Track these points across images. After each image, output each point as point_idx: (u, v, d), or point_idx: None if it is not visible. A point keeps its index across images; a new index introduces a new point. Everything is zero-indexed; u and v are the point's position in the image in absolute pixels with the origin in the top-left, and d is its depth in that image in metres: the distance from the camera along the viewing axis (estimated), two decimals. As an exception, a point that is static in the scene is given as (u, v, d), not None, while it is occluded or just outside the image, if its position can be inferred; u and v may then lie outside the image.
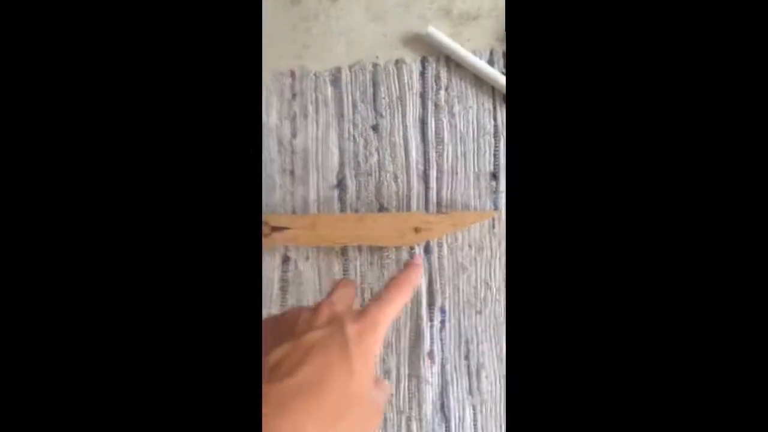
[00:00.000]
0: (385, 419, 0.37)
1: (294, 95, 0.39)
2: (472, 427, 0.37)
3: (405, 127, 0.38)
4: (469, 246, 0.38)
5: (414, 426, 0.37)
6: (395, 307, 0.24)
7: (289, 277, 0.38)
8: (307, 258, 0.38)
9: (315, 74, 0.39)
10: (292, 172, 0.39)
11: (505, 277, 0.37)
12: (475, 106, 0.38)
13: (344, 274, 0.38)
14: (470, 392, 0.37)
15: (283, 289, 0.38)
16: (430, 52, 0.39)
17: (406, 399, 0.37)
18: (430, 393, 0.37)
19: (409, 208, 0.38)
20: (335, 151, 0.39)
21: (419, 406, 0.37)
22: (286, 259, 0.38)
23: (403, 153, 0.38)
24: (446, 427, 0.37)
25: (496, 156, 0.38)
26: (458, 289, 0.38)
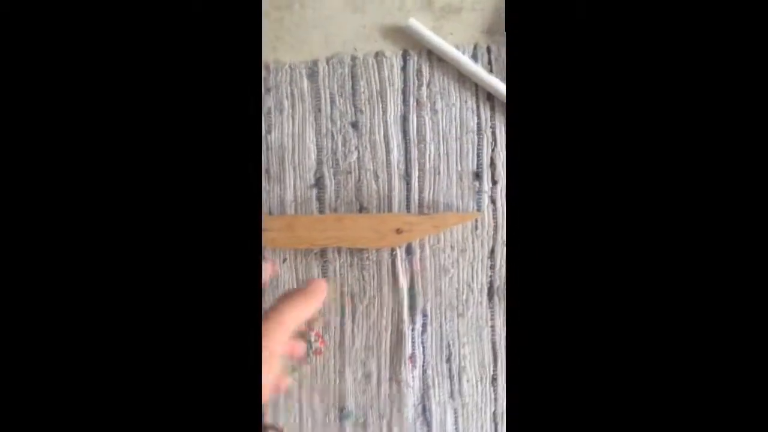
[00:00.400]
0: (366, 423, 0.36)
1: (268, 89, 0.37)
2: (454, 430, 0.36)
3: (386, 124, 0.37)
4: (452, 248, 0.37)
5: (395, 430, 0.36)
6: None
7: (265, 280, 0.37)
8: (285, 260, 0.37)
9: (290, 67, 0.37)
10: (267, 171, 0.37)
11: (488, 279, 0.37)
12: (457, 104, 0.37)
13: (323, 277, 0.37)
14: (452, 396, 0.37)
15: (259, 294, 0.37)
16: (412, 45, 0.37)
17: (387, 403, 0.36)
18: (411, 397, 0.36)
19: (390, 209, 0.37)
20: (313, 148, 0.37)
21: (400, 410, 0.36)
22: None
23: (383, 151, 0.37)
24: (428, 430, 0.36)
25: (479, 155, 0.37)
26: (440, 292, 0.37)
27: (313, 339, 0.36)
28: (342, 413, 0.36)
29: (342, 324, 0.37)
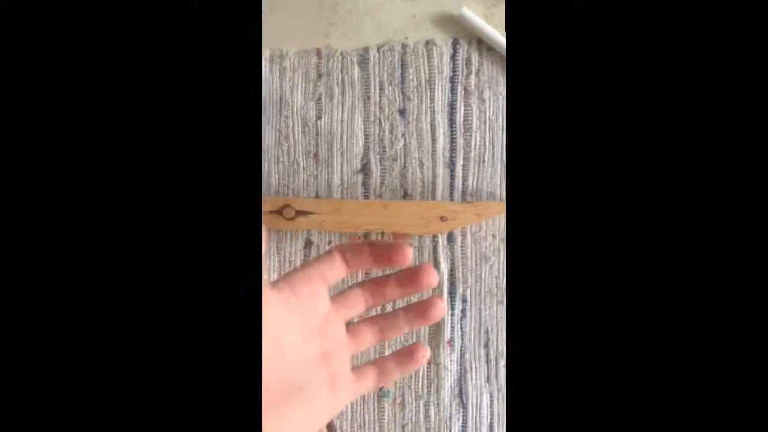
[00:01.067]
0: (404, 403, 0.38)
1: (320, 75, 0.37)
2: (489, 414, 0.37)
3: (433, 112, 0.37)
4: (493, 236, 0.37)
5: (432, 411, 0.38)
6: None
7: (311, 262, 0.38)
8: (330, 242, 0.38)
9: (342, 54, 0.37)
10: (316, 155, 0.38)
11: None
12: (505, 93, 0.37)
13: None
14: (488, 380, 0.38)
15: (305, 274, 0.38)
16: (462, 34, 0.37)
17: (425, 384, 0.38)
18: (448, 379, 0.38)
19: (433, 196, 0.38)
20: (360, 134, 0.38)
21: (437, 391, 0.38)
22: (308, 243, 0.38)
23: (429, 139, 0.38)
24: (463, 412, 0.37)
25: (524, 145, 0.37)
26: (480, 279, 0.38)
27: (355, 320, 0.37)
28: (380, 392, 0.38)
29: (383, 307, 0.38)
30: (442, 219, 0.36)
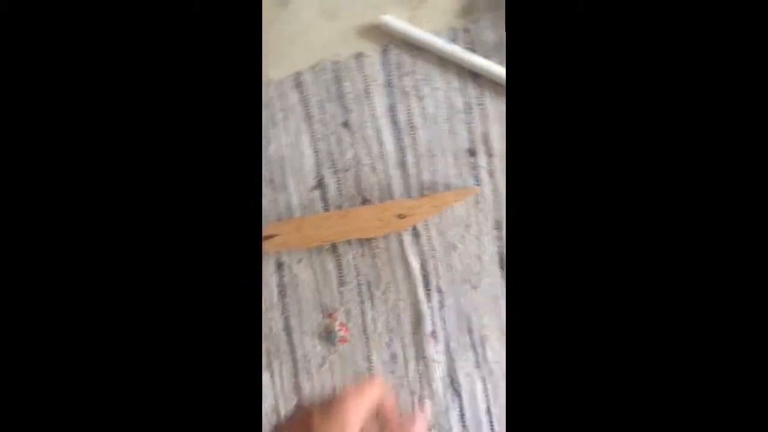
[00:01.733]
0: (397, 401, 0.38)
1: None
2: (484, 398, 0.38)
3: (375, 118, 0.39)
4: (456, 225, 0.38)
5: (427, 404, 0.38)
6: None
7: (285, 282, 0.39)
8: (300, 260, 0.39)
9: (277, 82, 0.39)
10: (271, 181, 0.39)
11: (497, 250, 0.38)
12: (442, 86, 0.38)
13: (338, 270, 0.39)
14: (477, 365, 0.38)
15: (282, 294, 0.39)
16: (390, 40, 0.39)
17: (416, 380, 0.38)
18: (438, 371, 0.38)
19: (392, 197, 0.39)
20: (310, 153, 0.39)
21: (429, 384, 0.38)
22: (279, 265, 0.39)
23: (377, 144, 0.39)
24: (459, 401, 0.38)
25: (470, 132, 0.38)
26: (452, 268, 0.38)
27: (337, 328, 0.38)
28: (376, 395, 0.39)
29: (363, 311, 0.39)
30: (401, 216, 0.37)
